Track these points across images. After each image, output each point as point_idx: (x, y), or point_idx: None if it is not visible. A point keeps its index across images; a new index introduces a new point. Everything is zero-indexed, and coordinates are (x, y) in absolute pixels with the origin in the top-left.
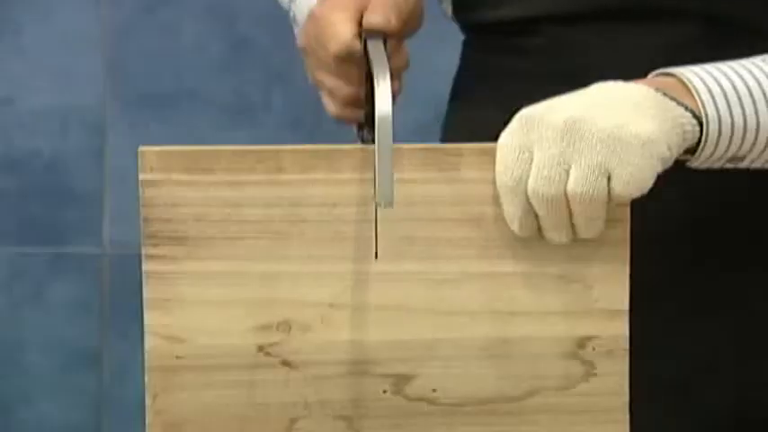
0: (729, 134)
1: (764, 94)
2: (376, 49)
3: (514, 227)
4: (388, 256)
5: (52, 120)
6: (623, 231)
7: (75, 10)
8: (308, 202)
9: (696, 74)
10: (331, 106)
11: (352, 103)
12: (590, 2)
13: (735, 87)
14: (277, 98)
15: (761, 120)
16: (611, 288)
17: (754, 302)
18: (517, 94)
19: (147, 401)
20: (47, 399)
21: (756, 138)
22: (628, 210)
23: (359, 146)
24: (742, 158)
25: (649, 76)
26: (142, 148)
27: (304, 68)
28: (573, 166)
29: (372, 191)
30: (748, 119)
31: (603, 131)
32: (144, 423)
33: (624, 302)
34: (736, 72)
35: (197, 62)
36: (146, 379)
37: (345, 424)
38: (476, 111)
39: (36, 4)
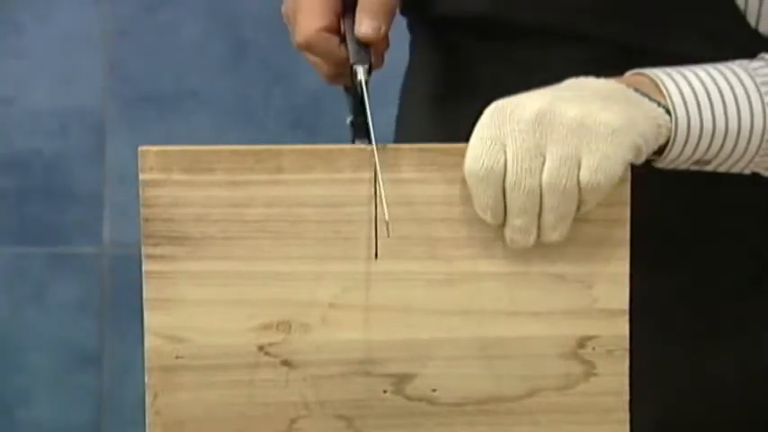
0: (698, 137)
1: (736, 98)
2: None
3: (488, 217)
4: (388, 256)
5: (52, 120)
6: (623, 231)
7: (75, 10)
8: (308, 202)
9: (668, 74)
10: (320, 75)
11: (335, 76)
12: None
13: (706, 89)
14: (277, 98)
15: (730, 125)
16: (611, 288)
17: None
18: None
19: (147, 401)
20: (47, 399)
21: (724, 142)
22: (628, 210)
23: (359, 146)
24: (708, 162)
25: (625, 75)
26: (142, 148)
27: (304, 68)
28: (547, 156)
29: (372, 191)
30: (717, 122)
31: (573, 121)
32: (144, 423)
33: (624, 302)
34: (709, 74)
35: (197, 62)
36: (146, 379)
37: (345, 424)
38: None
39: (36, 4)
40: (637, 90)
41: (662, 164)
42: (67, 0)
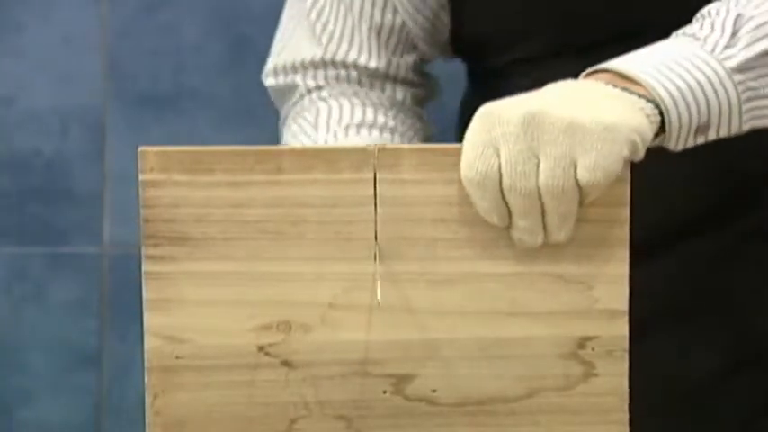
0: (683, 101)
1: (689, 59)
2: None
3: (493, 219)
4: (388, 256)
5: (52, 120)
6: (623, 231)
7: (76, 10)
8: (308, 202)
9: (628, 62)
10: None
11: None
12: (594, 30)
13: (665, 62)
14: None
15: (697, 77)
16: (611, 288)
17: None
18: None
19: (147, 401)
20: (47, 399)
21: (705, 94)
22: (627, 210)
23: (359, 146)
24: (707, 126)
25: (581, 76)
26: (142, 149)
27: None
28: (541, 158)
29: (372, 191)
30: (688, 80)
31: (563, 122)
32: (144, 423)
33: (624, 302)
34: (657, 48)
35: (197, 62)
36: (146, 379)
37: (345, 424)
38: None
39: (36, 4)
40: (615, 86)
41: (672, 143)
42: (67, 0)
